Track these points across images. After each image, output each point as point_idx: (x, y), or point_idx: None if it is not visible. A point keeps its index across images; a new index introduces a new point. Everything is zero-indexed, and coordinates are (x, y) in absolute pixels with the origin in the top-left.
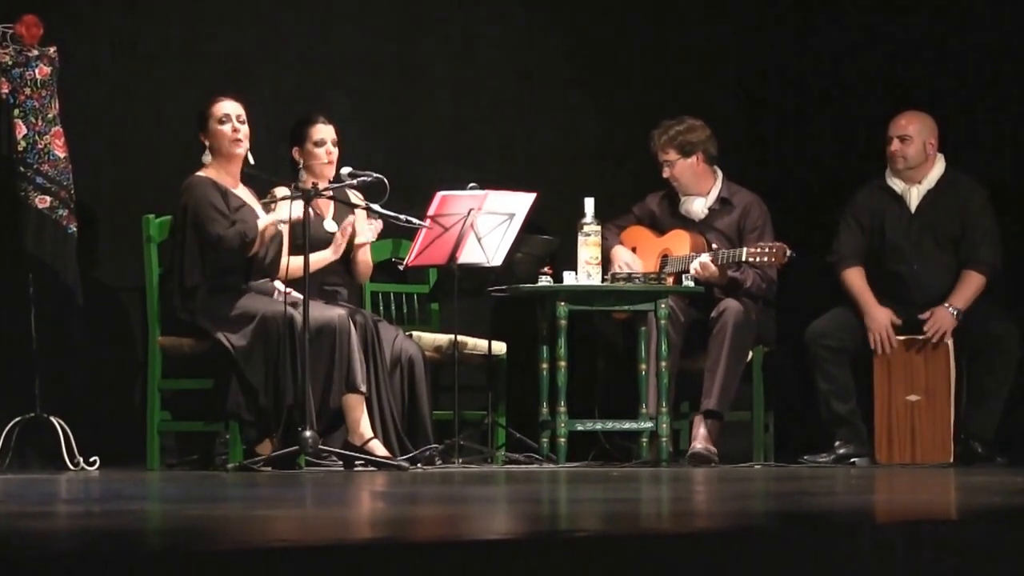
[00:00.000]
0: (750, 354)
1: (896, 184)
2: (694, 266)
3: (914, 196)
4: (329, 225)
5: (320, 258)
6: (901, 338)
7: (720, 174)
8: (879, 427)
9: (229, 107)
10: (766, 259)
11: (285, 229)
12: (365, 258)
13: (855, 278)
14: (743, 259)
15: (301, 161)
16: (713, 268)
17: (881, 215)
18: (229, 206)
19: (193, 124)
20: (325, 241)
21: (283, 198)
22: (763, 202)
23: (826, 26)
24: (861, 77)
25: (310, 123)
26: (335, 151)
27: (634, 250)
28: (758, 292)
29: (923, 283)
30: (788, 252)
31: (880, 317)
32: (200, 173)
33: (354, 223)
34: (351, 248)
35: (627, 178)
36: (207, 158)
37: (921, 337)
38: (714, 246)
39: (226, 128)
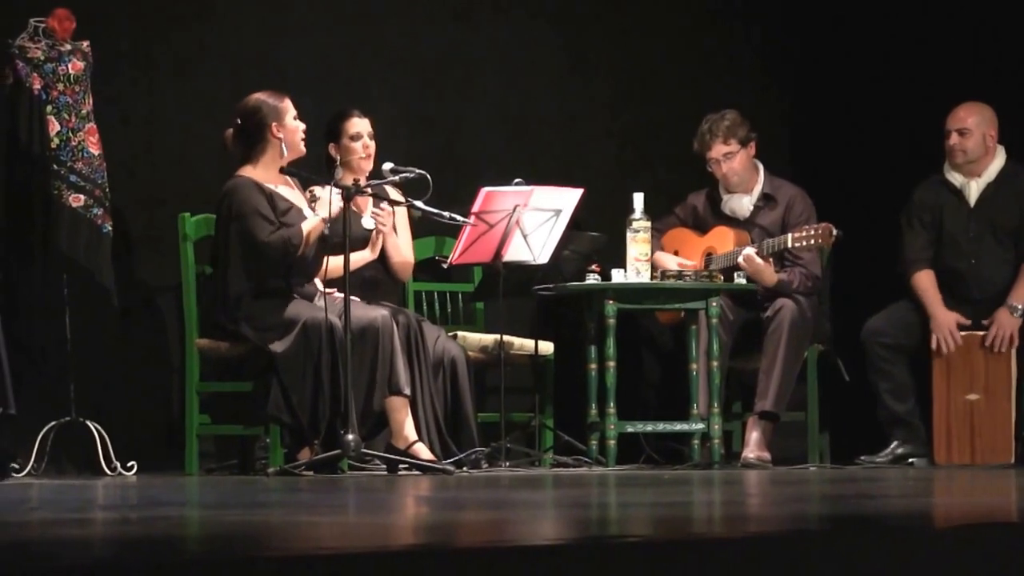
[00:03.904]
0: (805, 353)
1: (955, 178)
2: (741, 259)
3: (973, 190)
4: (367, 222)
5: (359, 257)
6: (962, 334)
7: (762, 168)
8: (938, 427)
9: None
10: (813, 241)
11: (327, 228)
12: (401, 258)
13: (924, 281)
14: (789, 245)
15: (338, 157)
16: (759, 261)
17: (940, 210)
18: (276, 209)
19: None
20: (363, 239)
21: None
22: (807, 195)
23: (878, 16)
24: (919, 68)
25: (345, 117)
26: (372, 144)
27: (676, 253)
28: (805, 291)
29: (982, 278)
30: (834, 231)
31: (946, 319)
32: (242, 174)
33: (390, 216)
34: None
35: (675, 173)
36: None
37: (981, 334)
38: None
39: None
